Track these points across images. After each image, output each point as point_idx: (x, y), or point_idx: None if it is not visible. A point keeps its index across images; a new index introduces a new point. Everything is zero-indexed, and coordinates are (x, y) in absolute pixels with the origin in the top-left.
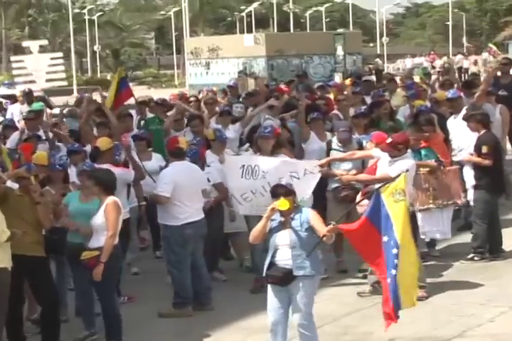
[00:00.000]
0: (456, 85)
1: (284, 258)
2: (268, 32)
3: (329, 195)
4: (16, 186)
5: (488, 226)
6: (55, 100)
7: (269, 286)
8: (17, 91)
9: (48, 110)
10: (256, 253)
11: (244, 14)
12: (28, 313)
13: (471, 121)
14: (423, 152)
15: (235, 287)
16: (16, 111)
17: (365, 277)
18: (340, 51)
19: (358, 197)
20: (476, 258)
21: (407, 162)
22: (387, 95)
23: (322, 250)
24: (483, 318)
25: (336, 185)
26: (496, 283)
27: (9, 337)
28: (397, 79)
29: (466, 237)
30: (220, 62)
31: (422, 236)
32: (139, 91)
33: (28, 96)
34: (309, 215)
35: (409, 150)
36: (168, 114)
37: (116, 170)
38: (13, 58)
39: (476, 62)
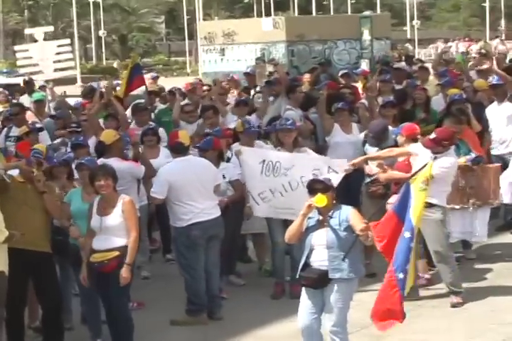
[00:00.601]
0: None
1: (320, 258)
2: (288, 15)
3: (363, 189)
4: (15, 172)
5: None
6: (57, 90)
7: (303, 289)
8: (18, 80)
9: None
10: (277, 255)
11: None
12: (29, 321)
13: None
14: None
15: (254, 292)
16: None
17: None
18: (366, 36)
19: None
20: None
21: (448, 160)
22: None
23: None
24: None
25: (368, 179)
26: None
27: None
28: (430, 66)
29: (506, 238)
30: (235, 48)
31: (454, 239)
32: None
33: (29, 86)
34: (349, 213)
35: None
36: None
37: (125, 164)
38: (17, 47)
39: None
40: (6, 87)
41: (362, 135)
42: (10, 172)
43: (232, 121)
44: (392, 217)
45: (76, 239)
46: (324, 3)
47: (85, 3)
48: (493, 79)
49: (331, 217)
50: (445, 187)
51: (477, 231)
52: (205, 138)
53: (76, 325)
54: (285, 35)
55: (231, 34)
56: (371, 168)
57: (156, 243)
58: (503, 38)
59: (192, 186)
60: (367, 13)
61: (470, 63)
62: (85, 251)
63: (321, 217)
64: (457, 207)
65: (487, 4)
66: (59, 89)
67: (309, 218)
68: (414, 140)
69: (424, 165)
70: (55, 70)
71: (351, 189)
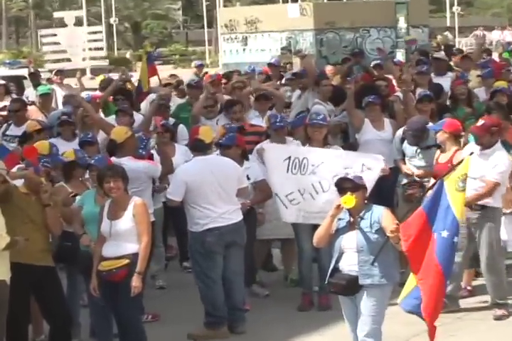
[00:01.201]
0: None
1: (350, 263)
2: (316, 0)
3: (399, 190)
4: (20, 182)
5: None
6: (66, 82)
7: (339, 297)
8: (21, 71)
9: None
10: (304, 263)
11: None
12: (34, 335)
13: None
14: None
15: (279, 303)
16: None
17: None
18: (402, 23)
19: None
20: None
21: (502, 157)
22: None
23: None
24: None
25: (405, 180)
26: None
27: None
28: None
29: None
30: (259, 37)
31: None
32: (164, 72)
33: (34, 78)
34: (381, 214)
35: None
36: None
37: (140, 164)
38: (43, 32)
39: None
40: (9, 79)
41: (399, 132)
42: (14, 181)
43: (253, 117)
44: (422, 215)
45: (88, 246)
46: None
47: None
48: None
49: (362, 218)
50: (501, 187)
51: None
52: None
53: (85, 338)
54: (313, 23)
55: (254, 22)
56: (409, 167)
57: (173, 250)
58: None
59: (210, 188)
60: None
61: None
62: (95, 258)
63: (351, 219)
64: (508, 211)
65: None
66: (70, 82)
67: (339, 219)
68: (458, 137)
69: (460, 161)
70: (84, 59)
71: (384, 189)
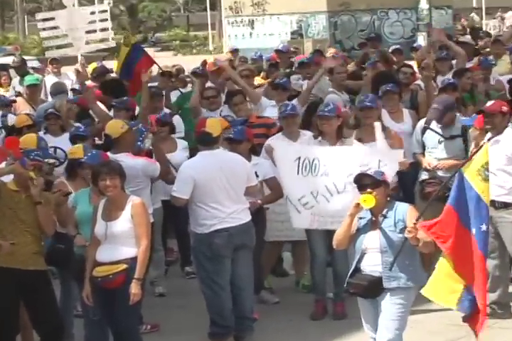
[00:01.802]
0: None
1: (372, 263)
2: None
3: (417, 188)
4: (9, 178)
5: None
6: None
7: (358, 299)
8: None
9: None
10: (317, 268)
11: None
12: None
13: None
14: None
15: (290, 311)
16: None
17: None
18: (424, 4)
19: None
20: None
21: None
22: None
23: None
24: None
25: (424, 176)
26: None
27: None
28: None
29: None
30: (267, 20)
31: None
32: (164, 60)
33: (20, 68)
34: (406, 212)
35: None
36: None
37: (138, 161)
38: (40, 15)
39: None
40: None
41: (421, 122)
42: (1, 178)
43: (267, 106)
44: (451, 212)
45: (84, 246)
46: None
47: None
48: None
49: (385, 217)
50: None
51: None
52: (235, 128)
53: None
54: (326, 4)
55: (261, 3)
56: (429, 160)
57: (173, 253)
58: None
59: (218, 186)
60: None
61: None
62: (88, 263)
63: (373, 217)
64: None
65: None
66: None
67: (360, 218)
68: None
69: (479, 149)
70: (88, 42)
71: (405, 188)
